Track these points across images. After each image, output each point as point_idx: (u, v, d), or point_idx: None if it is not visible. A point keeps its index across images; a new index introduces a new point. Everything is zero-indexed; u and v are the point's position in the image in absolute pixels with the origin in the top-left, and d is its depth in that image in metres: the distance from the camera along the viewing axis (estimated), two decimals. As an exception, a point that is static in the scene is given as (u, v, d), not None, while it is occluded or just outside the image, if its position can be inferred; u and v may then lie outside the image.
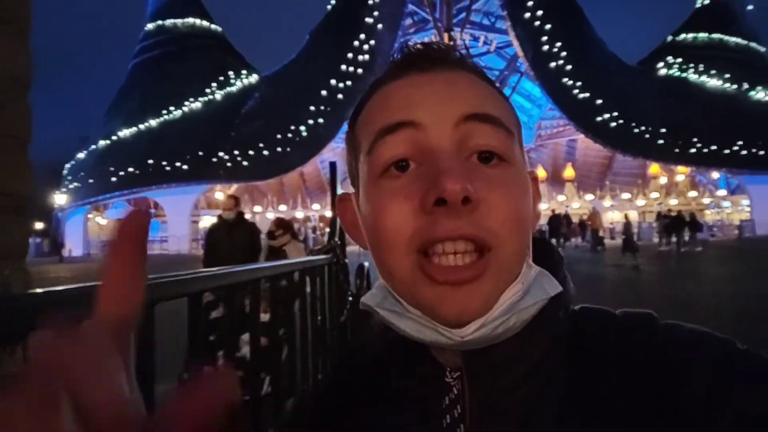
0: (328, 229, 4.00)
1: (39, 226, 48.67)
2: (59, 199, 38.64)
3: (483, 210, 0.44)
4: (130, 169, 36.77)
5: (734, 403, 0.41)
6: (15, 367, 0.88)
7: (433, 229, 0.44)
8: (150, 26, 45.66)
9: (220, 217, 5.72)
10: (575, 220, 28.20)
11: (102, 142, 40.21)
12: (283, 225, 5.70)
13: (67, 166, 41.85)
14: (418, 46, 0.53)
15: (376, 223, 0.47)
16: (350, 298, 3.66)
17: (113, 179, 37.05)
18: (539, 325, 0.47)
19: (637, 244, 15.53)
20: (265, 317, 3.25)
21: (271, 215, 40.60)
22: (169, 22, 44.93)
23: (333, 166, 4.08)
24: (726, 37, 44.32)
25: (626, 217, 17.58)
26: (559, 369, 0.48)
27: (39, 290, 0.81)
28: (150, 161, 36.47)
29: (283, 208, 40.92)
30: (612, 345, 0.49)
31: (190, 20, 45.24)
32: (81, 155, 41.44)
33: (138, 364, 1.22)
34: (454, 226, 0.43)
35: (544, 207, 37.57)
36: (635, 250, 14.81)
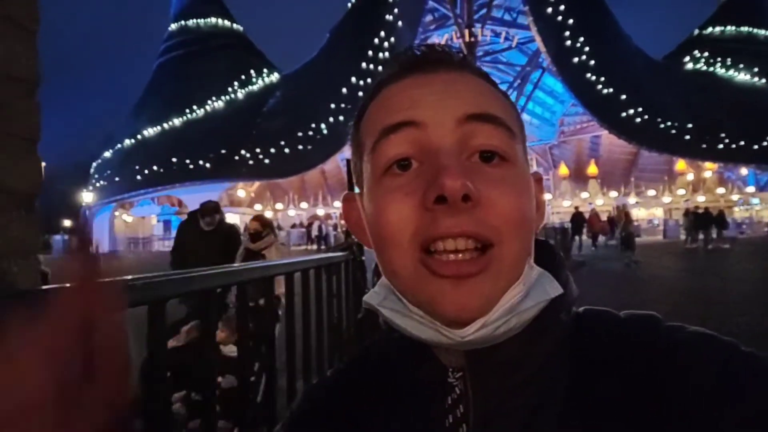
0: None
1: (68, 223, 49.75)
2: (87, 197, 39.46)
3: (484, 207, 0.44)
4: (155, 168, 37.39)
5: (739, 404, 0.41)
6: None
7: (433, 227, 0.44)
8: (173, 27, 46.36)
9: (192, 214, 4.85)
10: (602, 217, 27.37)
11: (128, 142, 40.95)
12: (268, 224, 4.70)
13: (94, 164, 42.72)
14: (422, 48, 0.53)
15: (379, 221, 0.48)
16: (367, 296, 3.64)
17: (138, 177, 37.71)
18: (542, 326, 0.48)
19: (634, 242, 15.36)
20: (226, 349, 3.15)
21: (292, 212, 40.88)
22: (191, 22, 45.55)
23: (349, 163, 4.07)
24: (755, 30, 43.28)
25: (627, 215, 17.23)
26: (563, 371, 0.48)
27: (45, 287, 0.81)
28: (174, 159, 37.03)
29: (304, 205, 41.15)
30: (616, 347, 0.49)
31: (213, 20, 45.80)
32: (107, 154, 42.26)
33: (149, 359, 1.23)
34: (454, 223, 0.44)
35: (567, 204, 37.17)
36: (632, 247, 14.72)
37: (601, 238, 23.68)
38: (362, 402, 0.55)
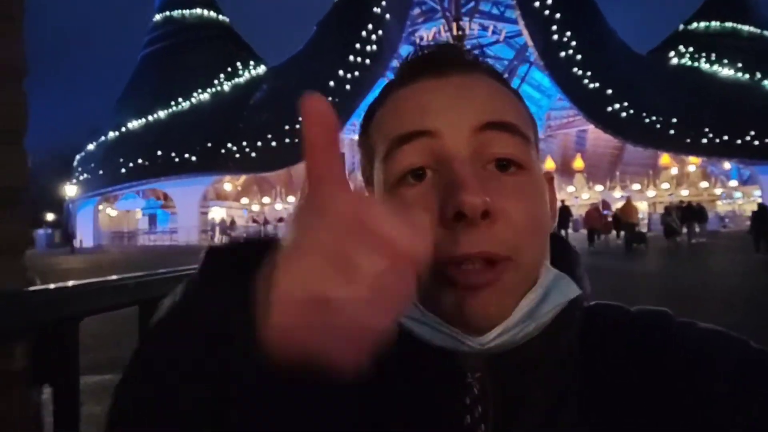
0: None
1: (50, 217, 49.09)
2: (70, 190, 38.94)
3: (500, 222, 0.44)
4: (140, 161, 36.96)
5: (752, 401, 0.41)
6: (12, 364, 0.85)
7: (452, 247, 0.43)
8: (158, 17, 45.67)
9: None
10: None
11: (112, 134, 40.41)
12: None
13: (78, 157, 42.15)
14: (432, 47, 0.52)
15: None
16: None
17: (123, 171, 37.26)
18: (559, 326, 0.47)
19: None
20: None
21: (279, 206, 40.72)
22: (176, 13, 44.91)
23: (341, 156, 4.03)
24: (739, 26, 43.65)
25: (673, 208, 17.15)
26: (578, 367, 0.48)
27: (32, 288, 0.78)
28: (159, 153, 36.62)
29: (291, 199, 40.97)
30: (628, 342, 0.49)
31: (198, 11, 45.18)
32: (91, 147, 41.67)
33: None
34: (472, 243, 0.43)
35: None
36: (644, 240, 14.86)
37: (602, 237, 20.74)
38: (377, 406, 0.52)
